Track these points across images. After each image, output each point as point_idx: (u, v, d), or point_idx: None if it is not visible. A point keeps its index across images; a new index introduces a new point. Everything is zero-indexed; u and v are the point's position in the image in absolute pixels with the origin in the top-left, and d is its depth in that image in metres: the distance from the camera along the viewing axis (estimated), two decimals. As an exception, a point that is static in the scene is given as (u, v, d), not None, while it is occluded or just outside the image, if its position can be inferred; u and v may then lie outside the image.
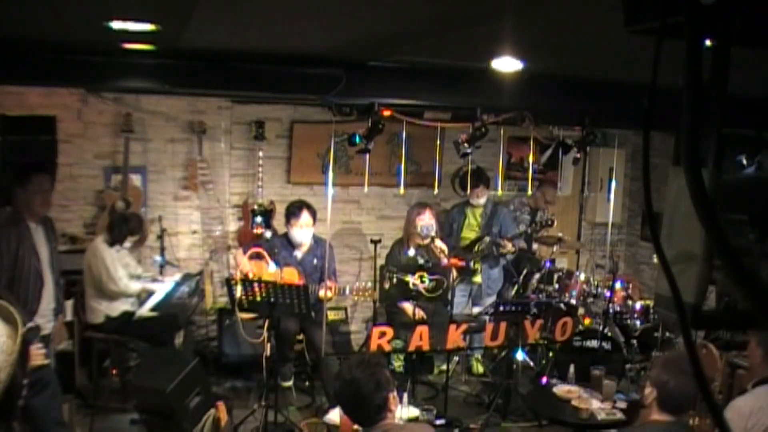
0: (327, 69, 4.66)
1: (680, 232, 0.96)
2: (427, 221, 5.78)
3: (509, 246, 6.13)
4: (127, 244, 5.38)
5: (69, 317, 5.11)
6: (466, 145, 5.36)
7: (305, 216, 5.41)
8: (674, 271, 0.89)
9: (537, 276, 6.41)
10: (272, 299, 4.71)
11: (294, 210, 5.46)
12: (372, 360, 2.78)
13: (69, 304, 5.14)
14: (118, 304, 5.23)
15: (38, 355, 3.40)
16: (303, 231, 5.43)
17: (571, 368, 4.85)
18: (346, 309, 6.58)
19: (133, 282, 5.32)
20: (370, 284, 5.41)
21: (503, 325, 5.06)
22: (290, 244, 5.53)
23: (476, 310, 6.43)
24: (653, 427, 3.03)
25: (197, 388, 4.40)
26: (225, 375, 6.06)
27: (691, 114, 0.84)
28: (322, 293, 5.26)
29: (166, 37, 3.81)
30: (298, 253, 5.54)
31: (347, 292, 5.39)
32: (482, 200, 6.42)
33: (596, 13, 2.63)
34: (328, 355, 5.31)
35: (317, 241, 5.59)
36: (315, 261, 5.53)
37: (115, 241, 5.26)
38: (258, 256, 5.33)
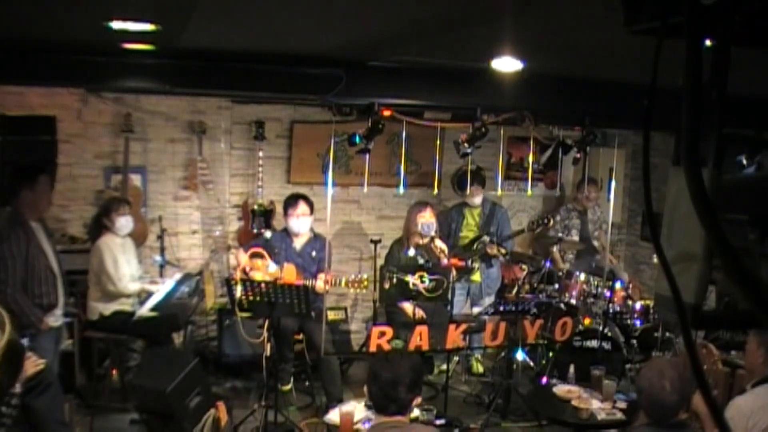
0: (327, 69, 4.66)
1: (680, 232, 0.96)
2: (427, 219, 5.80)
3: (495, 250, 6.24)
4: (128, 224, 5.33)
5: (68, 318, 5.12)
6: (466, 145, 5.35)
7: (302, 206, 5.49)
8: (674, 271, 0.89)
9: (537, 276, 6.42)
10: (272, 299, 4.72)
11: (291, 201, 5.59)
12: (419, 363, 2.93)
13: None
14: (112, 304, 5.23)
15: (32, 366, 3.44)
16: (300, 221, 5.49)
17: (571, 368, 4.85)
18: (346, 309, 6.59)
19: (132, 283, 5.31)
20: (365, 275, 5.42)
21: (503, 325, 5.06)
22: (289, 236, 5.59)
23: (476, 310, 6.43)
24: (641, 430, 3.03)
25: (197, 388, 4.40)
26: (225, 375, 6.06)
27: (691, 114, 0.84)
28: (319, 284, 5.27)
29: (166, 37, 3.81)
30: (297, 244, 5.57)
31: (341, 282, 5.36)
32: (477, 200, 6.47)
33: (596, 13, 2.63)
34: (328, 355, 5.31)
35: (316, 235, 5.63)
36: (314, 253, 5.58)
37: (100, 228, 5.26)
38: (258, 256, 5.34)
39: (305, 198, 5.58)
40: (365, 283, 5.33)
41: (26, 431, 3.76)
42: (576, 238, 6.90)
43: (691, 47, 0.86)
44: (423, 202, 6.14)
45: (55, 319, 4.55)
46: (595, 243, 7.04)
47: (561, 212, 7.15)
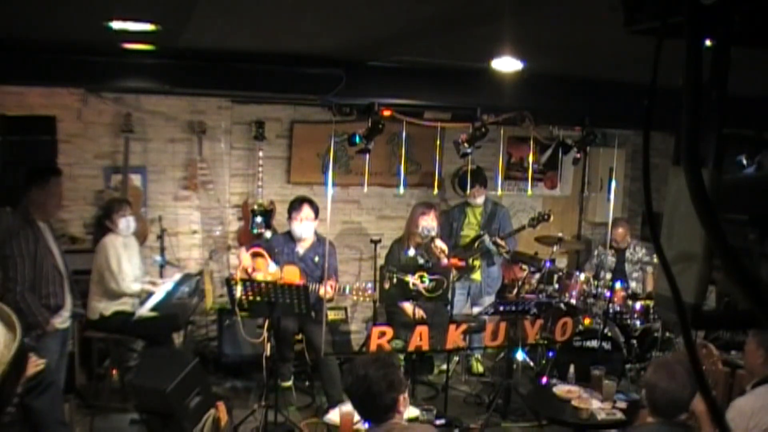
0: (327, 69, 4.66)
1: (680, 232, 0.96)
2: (429, 222, 5.79)
3: (503, 245, 6.23)
4: (130, 225, 5.32)
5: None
6: (466, 145, 5.36)
7: (306, 209, 5.45)
8: (674, 271, 0.89)
9: (537, 276, 6.42)
10: (272, 299, 4.71)
11: (296, 204, 5.53)
12: (387, 359, 2.80)
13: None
14: (113, 304, 5.22)
15: (32, 366, 3.44)
16: (303, 225, 5.45)
17: (571, 368, 4.85)
18: (346, 309, 6.58)
19: (134, 283, 5.31)
20: (370, 285, 5.41)
21: (503, 325, 5.06)
22: (292, 240, 5.55)
23: (476, 310, 6.43)
24: (647, 428, 3.03)
25: (197, 388, 4.40)
26: (225, 375, 6.06)
27: (691, 114, 0.84)
28: (322, 292, 5.27)
29: (166, 37, 3.81)
30: (300, 249, 5.54)
31: (347, 291, 5.39)
32: (480, 200, 6.47)
33: (596, 13, 2.63)
34: (327, 355, 5.31)
35: (319, 238, 5.60)
36: (317, 258, 5.55)
37: (103, 230, 5.25)
38: (259, 255, 5.34)
39: (310, 202, 5.52)
40: (370, 293, 5.33)
41: (26, 431, 3.77)
42: (608, 276, 6.59)
43: (691, 47, 0.86)
44: (428, 203, 6.11)
45: (62, 320, 4.53)
46: (633, 284, 6.62)
47: (598, 248, 7.05)
